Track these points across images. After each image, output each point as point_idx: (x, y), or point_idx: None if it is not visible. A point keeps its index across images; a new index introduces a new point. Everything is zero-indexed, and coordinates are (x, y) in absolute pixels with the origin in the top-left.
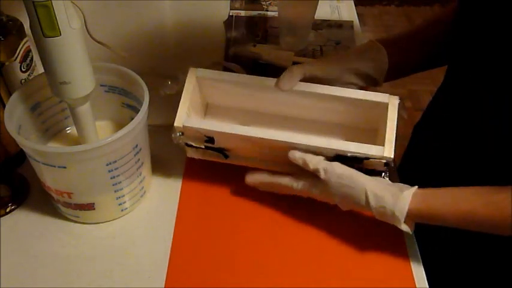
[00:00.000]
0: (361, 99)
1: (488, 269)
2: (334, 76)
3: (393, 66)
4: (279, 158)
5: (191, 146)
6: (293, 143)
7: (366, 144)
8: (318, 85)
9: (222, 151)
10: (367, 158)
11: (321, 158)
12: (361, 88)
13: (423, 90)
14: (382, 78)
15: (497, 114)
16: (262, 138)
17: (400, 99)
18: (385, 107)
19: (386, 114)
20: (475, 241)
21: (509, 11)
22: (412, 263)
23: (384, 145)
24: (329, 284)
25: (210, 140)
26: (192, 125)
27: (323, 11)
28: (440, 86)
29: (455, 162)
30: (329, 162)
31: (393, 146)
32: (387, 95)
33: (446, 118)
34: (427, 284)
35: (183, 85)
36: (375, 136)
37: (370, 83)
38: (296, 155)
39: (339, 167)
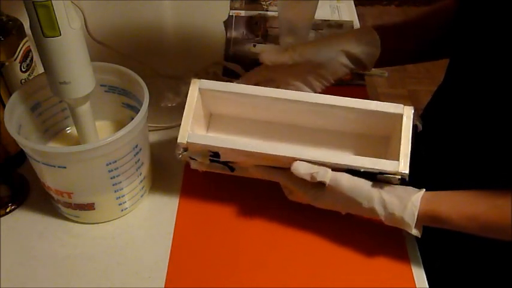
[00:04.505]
0: (374, 110)
1: (488, 270)
2: (326, 58)
3: (388, 53)
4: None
5: (195, 159)
6: (305, 159)
7: (380, 160)
8: (327, 96)
9: (227, 164)
10: (381, 173)
11: (328, 169)
12: (351, 71)
13: (423, 90)
14: (372, 64)
15: (499, 113)
16: (272, 154)
17: (414, 109)
18: (399, 117)
19: (400, 125)
20: (476, 242)
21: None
22: (412, 264)
23: (398, 159)
24: (329, 285)
25: (215, 154)
26: (196, 141)
27: (323, 11)
28: (441, 85)
29: (455, 162)
30: (336, 174)
31: (408, 160)
32: (401, 105)
33: (445, 118)
34: (427, 284)
35: (185, 97)
36: (387, 145)
37: (359, 67)
38: (301, 171)
39: (346, 180)
